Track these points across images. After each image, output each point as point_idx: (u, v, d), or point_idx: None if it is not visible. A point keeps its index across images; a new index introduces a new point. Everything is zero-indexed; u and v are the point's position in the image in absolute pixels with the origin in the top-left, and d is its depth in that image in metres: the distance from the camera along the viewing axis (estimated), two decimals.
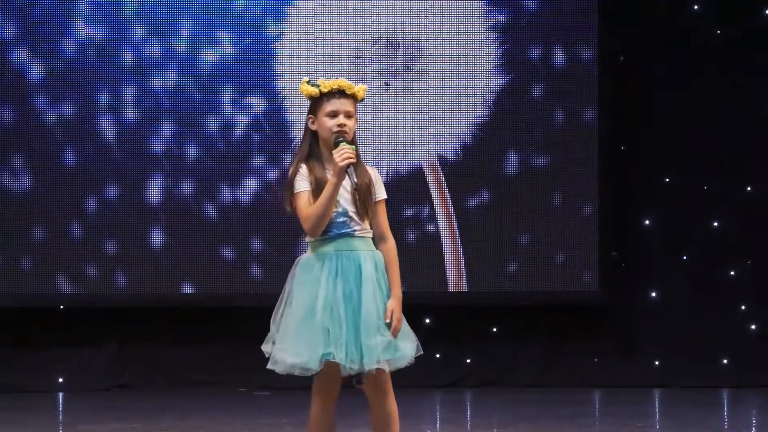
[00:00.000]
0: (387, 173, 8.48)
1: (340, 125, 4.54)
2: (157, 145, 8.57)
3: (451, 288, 8.64)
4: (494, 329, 8.89)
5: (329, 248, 4.54)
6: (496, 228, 8.69)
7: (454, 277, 8.64)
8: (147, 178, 8.56)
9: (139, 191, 8.55)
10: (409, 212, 8.56)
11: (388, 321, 4.48)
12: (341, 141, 4.50)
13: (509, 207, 8.70)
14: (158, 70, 8.56)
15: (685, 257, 8.97)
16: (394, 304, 4.51)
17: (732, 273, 8.97)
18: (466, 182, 8.69)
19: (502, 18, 8.69)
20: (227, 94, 8.60)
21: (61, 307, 8.61)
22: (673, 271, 8.95)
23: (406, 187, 8.53)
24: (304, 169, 4.56)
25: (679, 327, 8.89)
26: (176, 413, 7.75)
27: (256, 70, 8.60)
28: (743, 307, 8.95)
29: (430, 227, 8.64)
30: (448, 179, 8.67)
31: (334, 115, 4.57)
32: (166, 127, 8.57)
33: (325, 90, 4.58)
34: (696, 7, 9.01)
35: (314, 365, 4.44)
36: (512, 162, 8.73)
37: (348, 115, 4.57)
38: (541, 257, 8.70)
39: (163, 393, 8.53)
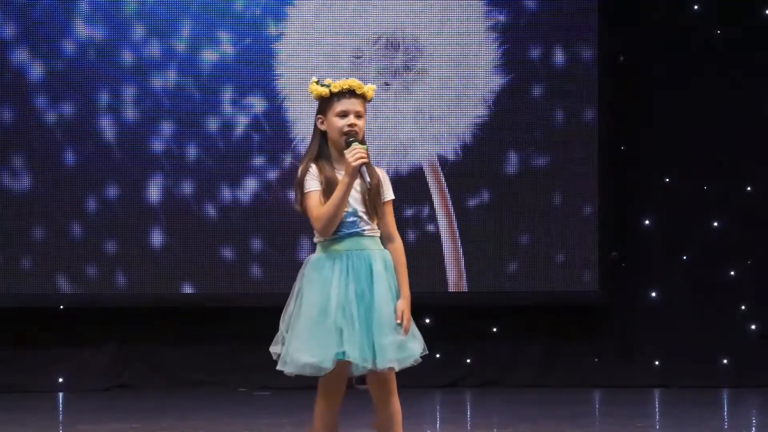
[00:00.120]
0: (387, 173, 8.43)
1: (350, 125, 4.55)
2: (157, 145, 8.57)
3: (451, 288, 8.64)
4: (494, 329, 8.89)
5: (339, 248, 4.55)
6: (496, 228, 8.69)
7: (454, 277, 8.64)
8: (147, 178, 8.56)
9: (139, 191, 8.55)
10: (409, 212, 8.56)
11: (399, 321, 4.49)
12: (353, 141, 4.51)
13: (509, 207, 8.70)
14: (158, 70, 8.56)
15: (685, 257, 8.97)
16: (404, 304, 4.54)
17: (732, 273, 8.97)
18: (466, 182, 8.69)
19: (502, 18, 8.69)
20: (227, 94, 8.60)
21: (61, 307, 8.60)
22: (673, 271, 8.95)
23: (406, 187, 8.52)
24: (314, 168, 4.57)
25: (679, 327, 8.89)
26: (176, 413, 7.75)
27: (256, 70, 8.60)
28: (743, 307, 8.95)
29: (430, 227, 8.64)
30: (448, 179, 8.67)
31: (344, 115, 4.58)
32: (166, 127, 8.57)
33: (335, 90, 4.59)
34: (696, 7, 9.01)
35: (328, 365, 4.44)
36: (512, 162, 8.73)
37: (358, 115, 4.59)
38: (541, 257, 8.70)
39: (163, 393, 8.53)
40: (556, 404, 8.14)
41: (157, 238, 8.56)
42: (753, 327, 8.95)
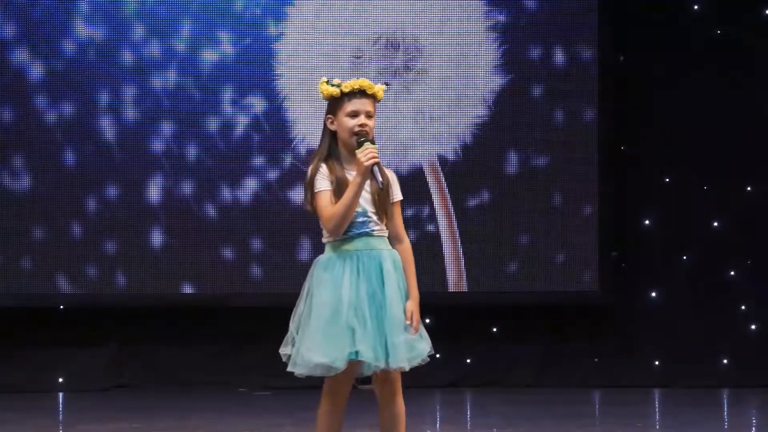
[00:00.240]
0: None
1: (361, 125, 4.55)
2: (157, 145, 8.57)
3: (451, 288, 8.64)
4: (494, 329, 8.89)
5: (349, 248, 4.55)
6: (496, 228, 8.69)
7: (454, 277, 8.64)
8: (147, 178, 8.56)
9: (139, 191, 8.55)
10: (409, 212, 8.55)
11: (408, 322, 4.50)
12: (364, 140, 4.51)
13: (509, 207, 8.70)
14: (158, 70, 8.56)
15: (685, 257, 8.97)
16: (413, 305, 4.56)
17: (732, 273, 8.97)
18: (466, 182, 8.69)
19: (502, 18, 8.69)
20: (227, 94, 8.60)
21: (61, 307, 8.60)
22: (673, 271, 8.95)
23: (406, 187, 8.42)
24: (324, 168, 4.58)
25: (679, 327, 8.89)
26: (176, 413, 7.75)
27: (256, 70, 8.60)
28: (743, 307, 8.95)
29: (430, 227, 8.64)
30: (448, 179, 8.67)
31: (355, 115, 4.58)
32: (166, 127, 8.57)
33: (346, 90, 4.59)
34: (696, 7, 9.02)
35: (340, 365, 4.44)
36: (512, 162, 8.73)
37: (368, 115, 4.59)
38: (541, 257, 8.70)
39: (163, 393, 8.53)
40: (556, 404, 8.15)
41: (157, 238, 8.56)
42: (753, 327, 8.95)
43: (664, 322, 8.92)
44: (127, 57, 8.54)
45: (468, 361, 8.85)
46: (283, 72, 8.61)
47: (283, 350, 4.61)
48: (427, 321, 8.52)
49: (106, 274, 8.52)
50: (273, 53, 8.61)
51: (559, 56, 8.73)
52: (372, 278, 4.51)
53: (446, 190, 8.67)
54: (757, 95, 8.93)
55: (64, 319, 8.63)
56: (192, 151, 8.59)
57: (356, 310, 4.47)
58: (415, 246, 8.42)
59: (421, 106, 8.62)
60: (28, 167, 8.51)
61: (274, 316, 8.63)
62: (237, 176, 8.60)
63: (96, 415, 7.70)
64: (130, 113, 8.55)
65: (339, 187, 4.54)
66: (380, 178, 4.51)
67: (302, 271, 8.61)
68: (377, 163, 4.50)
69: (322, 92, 4.64)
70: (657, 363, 8.91)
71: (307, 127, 8.60)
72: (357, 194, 4.49)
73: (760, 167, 8.94)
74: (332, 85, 4.61)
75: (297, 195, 8.60)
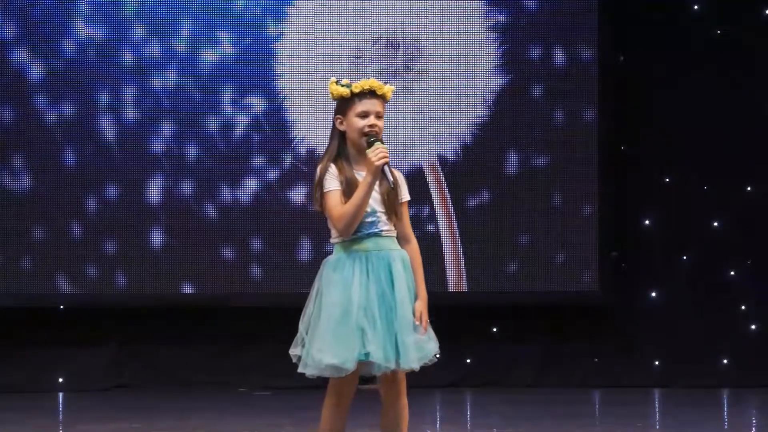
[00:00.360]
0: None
1: (371, 126, 4.55)
2: (157, 145, 8.57)
3: (451, 288, 8.64)
4: (494, 329, 8.89)
5: (359, 248, 4.55)
6: (496, 228, 8.69)
7: (454, 277, 8.64)
8: (147, 178, 8.55)
9: (139, 191, 8.55)
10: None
11: (417, 322, 4.51)
12: (375, 140, 4.51)
13: (509, 207, 8.70)
14: (158, 70, 8.56)
15: (685, 257, 8.97)
16: (422, 305, 4.57)
17: (732, 273, 8.97)
18: (466, 182, 8.69)
19: (502, 18, 8.69)
20: (227, 94, 8.60)
21: (61, 307, 8.60)
22: (673, 271, 8.95)
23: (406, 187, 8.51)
24: (333, 168, 4.57)
25: (679, 327, 8.89)
26: (176, 413, 7.75)
27: (256, 70, 8.59)
28: (743, 307, 8.95)
29: (430, 227, 8.64)
30: (448, 179, 8.67)
31: (365, 115, 4.58)
32: (166, 127, 8.57)
33: (356, 90, 4.58)
34: (696, 7, 9.02)
35: (351, 366, 4.44)
36: (512, 162, 8.73)
37: (378, 116, 4.59)
38: (541, 257, 8.70)
39: (163, 393, 8.53)
40: (556, 404, 8.15)
41: (157, 238, 8.56)
42: (753, 327, 8.95)
43: (664, 322, 8.92)
44: (127, 57, 8.54)
45: (468, 361, 8.85)
46: (283, 72, 8.61)
47: (293, 351, 4.59)
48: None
49: (106, 274, 8.52)
50: (273, 53, 8.61)
51: (559, 56, 8.73)
52: (381, 279, 4.52)
53: (446, 190, 8.67)
54: (757, 95, 8.93)
55: (64, 319, 8.63)
56: (192, 151, 8.59)
57: (366, 311, 4.47)
58: None
59: (421, 106, 8.62)
60: (28, 167, 8.51)
61: (274, 316, 8.68)
62: (237, 176, 8.60)
63: (96, 415, 7.70)
64: (130, 113, 8.55)
65: (348, 187, 4.53)
66: (391, 178, 4.52)
67: (302, 271, 8.71)
68: (387, 163, 4.50)
69: (331, 92, 4.62)
70: (657, 363, 8.91)
71: (307, 127, 8.60)
72: (368, 194, 4.49)
73: (760, 167, 8.94)
74: (342, 86, 4.61)
75: (297, 195, 8.60)
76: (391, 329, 4.48)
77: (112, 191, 8.54)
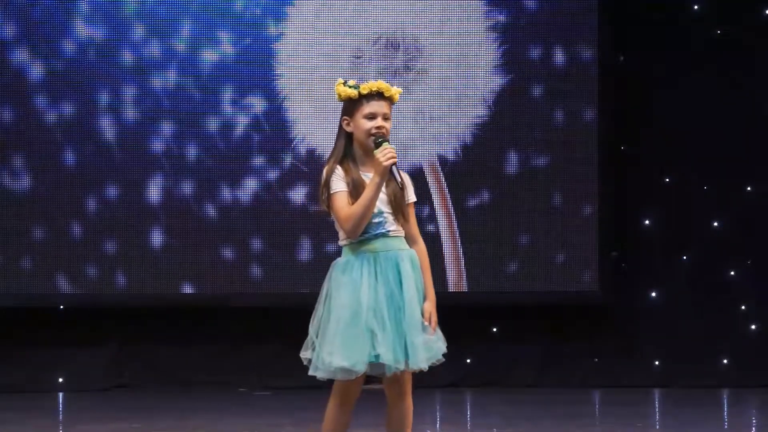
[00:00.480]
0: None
1: (378, 127, 4.55)
2: (157, 145, 8.57)
3: (451, 288, 8.64)
4: (494, 329, 8.89)
5: (367, 249, 4.55)
6: (496, 228, 8.69)
7: (454, 277, 8.64)
8: (147, 178, 8.55)
9: (139, 191, 8.55)
10: None
11: (426, 323, 4.51)
12: (382, 141, 4.51)
13: (509, 207, 8.70)
14: (158, 70, 8.56)
15: (685, 257, 8.97)
16: (430, 306, 4.57)
17: (732, 273, 8.97)
18: (466, 182, 8.69)
19: (502, 18, 8.69)
20: (227, 94, 8.60)
21: (61, 307, 8.60)
22: (673, 271, 8.95)
23: None
24: (339, 170, 4.56)
25: (679, 327, 8.89)
26: (176, 413, 7.75)
27: (256, 70, 8.59)
28: (743, 307, 8.95)
29: (430, 227, 8.64)
30: (448, 179, 8.67)
31: (372, 117, 4.57)
32: (166, 127, 8.57)
33: (364, 92, 4.57)
34: (696, 7, 9.02)
35: (361, 368, 4.44)
36: (512, 162, 8.73)
37: (385, 117, 4.58)
38: (541, 257, 8.70)
39: (163, 393, 8.53)
40: (556, 404, 8.15)
41: (157, 238, 8.56)
42: (753, 327, 8.95)
43: (664, 322, 8.92)
44: (127, 57, 8.54)
45: (468, 361, 8.85)
46: (283, 72, 8.61)
47: (304, 354, 4.58)
48: None
49: (106, 274, 8.52)
50: (273, 53, 8.61)
51: (559, 56, 8.73)
52: (390, 279, 4.52)
53: (446, 190, 8.67)
54: (757, 95, 8.93)
55: (64, 319, 8.63)
56: (192, 151, 8.59)
57: (375, 312, 4.47)
58: None
59: (421, 106, 8.62)
60: (28, 167, 8.51)
61: (274, 316, 8.71)
62: (237, 176, 8.60)
63: (96, 415, 7.70)
64: (130, 113, 8.55)
65: (355, 188, 4.52)
66: (399, 178, 4.52)
67: (302, 271, 8.71)
68: (395, 164, 4.50)
69: (338, 94, 4.61)
70: (657, 363, 8.91)
71: (307, 127, 8.60)
72: (375, 194, 4.48)
73: (760, 167, 8.94)
74: (349, 87, 4.60)
75: (297, 195, 8.60)
76: (400, 330, 4.48)
77: (112, 191, 8.54)
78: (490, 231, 8.69)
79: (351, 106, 4.60)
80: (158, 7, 8.55)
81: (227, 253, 8.59)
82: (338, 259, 4.62)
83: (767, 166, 8.94)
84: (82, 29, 8.52)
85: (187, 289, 8.56)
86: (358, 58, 8.63)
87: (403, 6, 8.64)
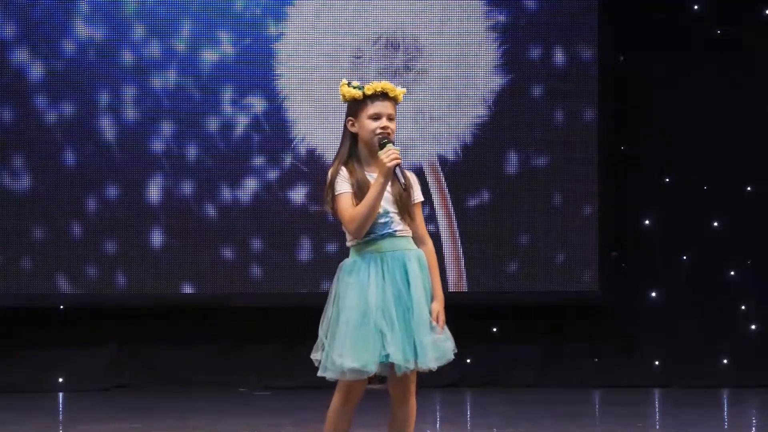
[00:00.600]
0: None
1: (383, 128, 4.55)
2: (157, 145, 8.57)
3: (451, 288, 8.64)
4: (494, 329, 8.89)
5: (373, 250, 4.54)
6: (496, 228, 8.69)
7: (454, 277, 8.64)
8: (147, 178, 8.55)
9: (139, 191, 8.55)
10: None
11: (434, 323, 4.52)
12: (386, 142, 4.51)
13: (509, 207, 8.70)
14: (158, 70, 8.56)
15: (685, 257, 8.97)
16: (438, 306, 4.57)
17: (732, 273, 8.97)
18: (466, 182, 8.69)
19: (502, 18, 8.69)
20: (227, 94, 8.60)
21: (61, 307, 8.60)
22: (673, 271, 8.95)
23: None
24: (344, 171, 4.56)
25: (679, 327, 8.89)
26: (176, 413, 7.75)
27: (256, 70, 8.59)
28: (743, 307, 8.95)
29: (430, 227, 8.62)
30: (448, 179, 8.67)
31: (377, 117, 4.57)
32: (166, 127, 8.57)
33: (369, 92, 4.57)
34: (696, 7, 9.02)
35: (372, 368, 4.45)
36: (512, 162, 8.73)
37: (390, 118, 4.58)
38: (541, 257, 8.70)
39: (163, 393, 8.53)
40: (556, 404, 8.15)
41: (157, 238, 8.56)
42: (753, 327, 8.95)
43: (664, 322, 8.92)
44: (127, 57, 8.54)
45: (468, 361, 8.85)
46: (283, 72, 8.61)
47: (314, 355, 4.59)
48: None
49: (106, 274, 8.52)
50: (273, 53, 8.61)
51: (559, 56, 8.73)
52: (397, 279, 4.52)
53: (446, 190, 8.67)
54: (757, 95, 8.93)
55: (64, 319, 8.63)
56: (192, 151, 8.59)
57: (384, 312, 4.47)
58: None
59: (421, 106, 8.62)
60: (28, 167, 8.51)
61: (274, 316, 8.72)
62: (237, 176, 8.60)
63: (96, 415, 7.70)
64: (130, 113, 8.55)
65: (360, 189, 4.52)
66: (402, 179, 4.51)
67: (302, 271, 8.71)
68: (399, 165, 4.50)
69: (343, 94, 4.61)
70: (657, 363, 8.91)
71: (307, 127, 8.60)
72: (379, 195, 4.48)
73: (760, 167, 8.94)
74: (354, 87, 4.60)
75: (297, 195, 8.61)
76: (408, 330, 4.49)
77: (112, 191, 8.54)
78: (490, 231, 8.69)
79: (355, 106, 4.60)
80: (158, 7, 8.55)
81: (227, 253, 8.59)
82: (345, 260, 4.62)
83: (767, 166, 8.94)
84: (82, 29, 8.52)
85: (187, 289, 8.56)
86: (358, 58, 8.63)
87: (403, 6, 8.65)
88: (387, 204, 4.55)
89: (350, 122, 4.62)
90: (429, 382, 8.48)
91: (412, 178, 4.67)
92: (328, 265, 8.36)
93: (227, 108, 8.60)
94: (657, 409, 8.28)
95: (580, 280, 8.71)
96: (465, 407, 8.26)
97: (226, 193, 8.60)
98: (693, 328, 8.86)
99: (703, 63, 8.91)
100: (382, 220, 4.55)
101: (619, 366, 8.91)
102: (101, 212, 8.52)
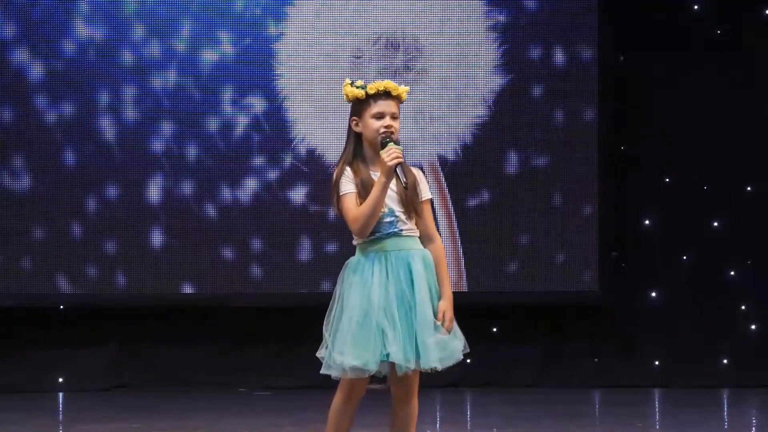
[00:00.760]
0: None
1: (386, 127, 4.55)
2: (157, 145, 8.57)
3: (451, 288, 8.61)
4: (494, 329, 8.89)
5: (378, 249, 4.54)
6: (496, 228, 8.69)
7: (454, 277, 8.63)
8: (147, 178, 8.55)
9: (139, 191, 8.55)
10: None
11: (439, 322, 4.51)
12: (388, 141, 4.51)
13: (509, 207, 8.70)
14: (158, 70, 8.56)
15: (685, 257, 8.97)
16: (446, 304, 4.58)
17: (732, 273, 8.97)
18: (466, 182, 8.69)
19: (502, 18, 8.69)
20: (227, 94, 8.60)
21: (61, 307, 8.60)
22: (673, 271, 8.95)
23: None
24: (348, 171, 4.57)
25: (679, 327, 8.89)
26: (176, 413, 7.75)
27: (256, 70, 8.59)
28: (743, 307, 8.95)
29: None
30: (448, 179, 8.67)
31: (380, 116, 4.57)
32: (166, 127, 8.57)
33: (371, 92, 4.58)
34: (696, 7, 9.02)
35: (373, 367, 4.45)
36: (512, 162, 8.73)
37: (393, 117, 4.59)
38: (541, 257, 8.70)
39: (163, 393, 8.52)
40: (556, 404, 8.15)
41: (157, 238, 8.56)
42: (753, 327, 8.95)
43: (664, 322, 8.92)
44: (127, 57, 8.54)
45: (468, 361, 8.84)
46: (283, 72, 8.61)
47: (320, 354, 4.60)
48: None
49: (106, 274, 8.52)
50: (273, 53, 8.61)
51: (559, 56, 8.73)
52: (401, 278, 4.52)
53: (446, 190, 8.67)
54: (757, 95, 8.93)
55: (64, 319, 8.63)
56: (192, 151, 8.59)
57: (386, 311, 4.48)
58: None
59: (421, 106, 8.62)
60: (28, 167, 8.51)
61: (274, 316, 8.71)
62: (237, 176, 8.60)
63: (96, 415, 7.70)
64: (130, 113, 8.55)
65: (365, 189, 4.52)
66: (404, 179, 4.51)
67: (302, 271, 8.71)
68: (401, 164, 4.49)
69: (346, 94, 4.62)
70: (657, 363, 8.91)
71: (307, 127, 8.60)
72: (382, 195, 4.48)
73: (760, 167, 8.94)
74: (356, 87, 4.60)
75: (297, 195, 8.60)
76: (411, 329, 4.49)
77: (112, 191, 8.54)
78: (490, 231, 8.69)
79: (359, 106, 4.61)
80: (158, 7, 8.55)
81: (227, 253, 8.59)
82: (351, 258, 4.63)
83: (767, 166, 8.94)
84: (82, 29, 8.52)
85: (187, 289, 8.56)
86: (358, 58, 8.63)
87: (403, 6, 8.64)
88: (393, 203, 4.55)
89: (354, 122, 4.63)
90: (429, 382, 8.47)
91: (419, 175, 4.67)
92: (328, 265, 8.38)
93: (227, 108, 8.60)
94: (657, 409, 8.28)
95: (580, 280, 8.71)
96: (465, 407, 8.26)
97: (226, 193, 8.60)
98: (693, 328, 8.86)
99: (703, 63, 8.91)
100: (388, 220, 4.55)
101: (619, 366, 8.91)
102: (101, 212, 8.52)
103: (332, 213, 8.20)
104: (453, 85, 8.66)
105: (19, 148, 8.51)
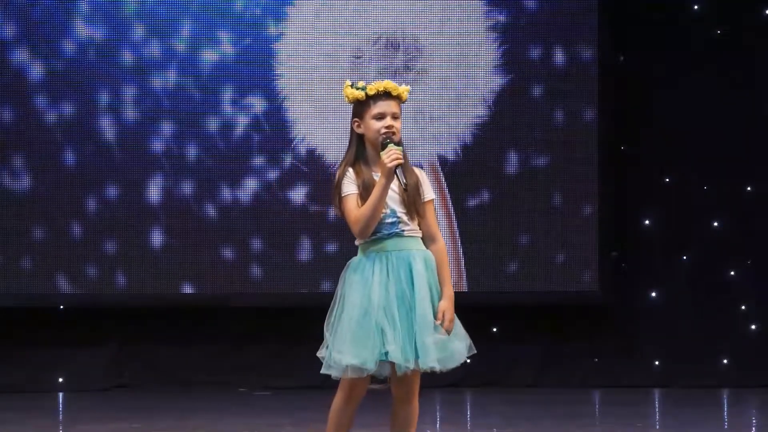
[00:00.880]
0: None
1: (387, 127, 4.55)
2: (157, 145, 8.57)
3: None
4: (494, 329, 8.89)
5: (379, 249, 4.54)
6: (496, 228, 8.69)
7: (454, 277, 8.62)
8: (147, 178, 8.55)
9: (139, 191, 8.55)
10: None
11: (439, 322, 4.51)
12: (388, 142, 4.51)
13: (509, 207, 8.70)
14: (158, 70, 8.56)
15: (685, 257, 8.97)
16: (447, 304, 4.57)
17: (732, 273, 8.97)
18: (466, 182, 8.69)
19: (502, 18, 8.69)
20: (227, 94, 8.60)
21: (61, 307, 8.60)
22: (673, 271, 8.95)
23: None
24: (351, 172, 4.57)
25: (679, 327, 8.89)
26: (176, 413, 7.75)
27: (256, 70, 8.59)
28: (743, 307, 8.95)
29: None
30: (448, 179, 8.67)
31: (381, 117, 4.57)
32: (166, 127, 8.57)
33: (371, 92, 4.58)
34: (696, 7, 9.02)
35: (371, 366, 4.45)
36: (512, 162, 8.73)
37: (394, 117, 4.59)
38: (541, 257, 8.70)
39: (163, 393, 8.53)
40: (556, 404, 8.15)
41: (157, 238, 8.56)
42: (753, 327, 8.95)
43: (664, 322, 8.92)
44: (127, 57, 8.54)
45: (468, 361, 8.80)
46: (283, 72, 8.61)
47: (320, 354, 4.60)
48: None
49: (106, 274, 8.52)
50: (273, 53, 8.61)
51: (559, 56, 8.73)
52: (401, 278, 4.52)
53: (446, 190, 8.67)
54: (757, 95, 8.93)
55: (64, 319, 8.63)
56: (192, 151, 8.59)
57: (386, 311, 4.48)
58: None
59: (421, 106, 8.62)
60: (28, 167, 8.51)
61: (274, 316, 8.72)
62: (237, 176, 8.60)
63: (96, 415, 7.70)
64: (130, 113, 8.55)
65: (366, 190, 4.53)
66: (403, 180, 4.51)
67: (302, 271, 8.71)
68: (401, 165, 4.49)
69: (346, 96, 4.62)
70: (657, 363, 8.91)
71: (307, 127, 8.60)
72: (382, 196, 4.48)
73: (760, 167, 8.94)
74: (357, 88, 4.60)
75: (297, 195, 8.60)
76: (410, 329, 4.49)
77: (112, 191, 8.54)
78: (490, 231, 8.69)
79: (360, 107, 4.61)
80: (158, 7, 8.55)
81: (227, 253, 8.59)
82: (353, 257, 4.63)
83: (767, 166, 8.94)
84: (82, 29, 8.52)
85: (187, 289, 8.56)
86: (358, 58, 8.63)
87: (403, 6, 8.64)
88: (395, 204, 4.56)
89: (356, 123, 4.63)
90: (429, 382, 8.46)
91: (422, 175, 4.67)
92: (328, 265, 8.39)
93: (227, 108, 8.60)
94: (657, 409, 8.28)
95: (580, 280, 8.71)
96: (465, 407, 8.26)
97: (226, 193, 8.60)
98: (693, 328, 8.86)
99: (703, 63, 8.91)
100: (389, 220, 4.55)
101: (619, 366, 8.91)
102: (101, 212, 8.52)
103: (332, 213, 8.20)
104: (453, 85, 8.66)
105: (19, 148, 8.51)
